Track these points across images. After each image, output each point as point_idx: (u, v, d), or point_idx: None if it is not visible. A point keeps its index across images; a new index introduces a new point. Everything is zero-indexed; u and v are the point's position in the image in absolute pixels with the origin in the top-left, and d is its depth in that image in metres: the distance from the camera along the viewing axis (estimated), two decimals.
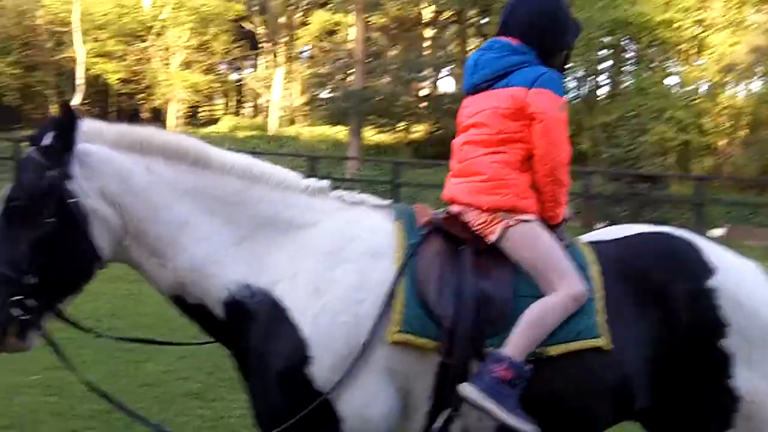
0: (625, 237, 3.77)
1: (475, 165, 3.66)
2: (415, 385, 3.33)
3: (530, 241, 3.53)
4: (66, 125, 3.32)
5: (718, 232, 21.56)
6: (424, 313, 3.32)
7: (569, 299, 3.40)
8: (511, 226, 3.53)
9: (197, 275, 3.41)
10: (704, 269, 3.60)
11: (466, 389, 3.23)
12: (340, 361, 3.23)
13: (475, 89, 3.78)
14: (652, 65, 35.54)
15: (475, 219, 3.58)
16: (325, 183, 3.67)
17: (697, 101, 33.50)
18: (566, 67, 3.91)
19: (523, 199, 3.58)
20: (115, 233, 3.38)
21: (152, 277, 3.48)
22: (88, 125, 3.40)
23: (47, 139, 3.33)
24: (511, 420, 3.21)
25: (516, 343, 3.29)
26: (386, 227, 3.55)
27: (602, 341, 3.41)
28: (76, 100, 44.53)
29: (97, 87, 50.08)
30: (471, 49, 46.24)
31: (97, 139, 3.40)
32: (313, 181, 3.65)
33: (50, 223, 3.24)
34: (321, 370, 3.24)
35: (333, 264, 3.38)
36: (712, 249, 3.72)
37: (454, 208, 3.67)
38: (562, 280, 3.43)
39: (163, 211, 3.41)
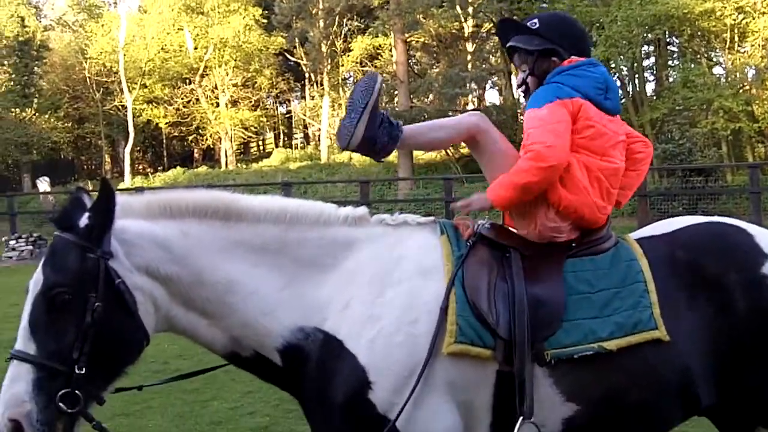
0: (675, 230, 3.75)
1: None
2: (475, 398, 3.32)
3: None
4: (106, 204, 3.24)
5: None
6: (477, 322, 3.32)
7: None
8: None
9: (250, 330, 3.41)
10: (757, 256, 3.56)
11: None
12: (400, 382, 3.24)
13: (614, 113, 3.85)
14: (696, 57, 35.08)
15: None
16: (364, 210, 3.67)
17: (745, 88, 32.94)
18: None
19: None
20: (161, 306, 3.33)
21: (202, 338, 3.46)
22: (118, 200, 3.31)
23: (83, 220, 3.24)
24: None
25: None
26: (432, 243, 3.56)
27: (660, 333, 3.39)
28: (128, 147, 45.26)
29: (147, 133, 50.88)
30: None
31: (128, 212, 3.35)
32: (351, 210, 3.64)
33: (98, 308, 3.14)
34: (382, 393, 3.25)
35: (382, 288, 3.39)
36: (765, 235, 3.68)
37: None
38: None
39: (208, 274, 3.37)
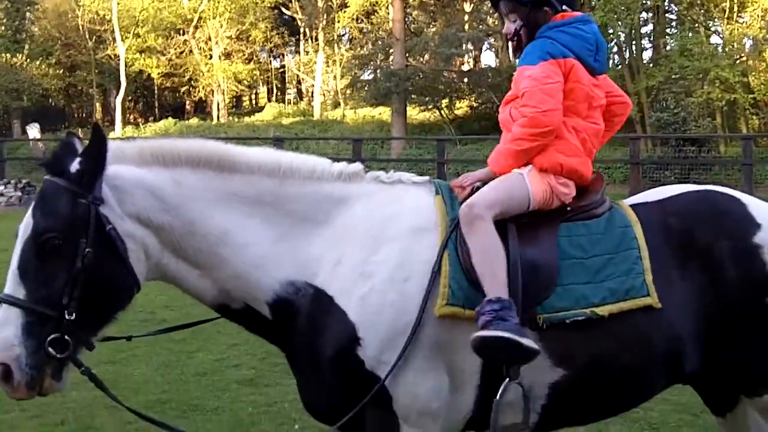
0: (668, 197, 3.73)
1: None
2: (463, 359, 3.30)
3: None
4: (98, 149, 3.20)
5: None
6: (469, 285, 3.30)
7: (480, 214, 3.36)
8: None
9: (241, 282, 3.38)
10: (749, 225, 3.54)
11: (473, 342, 3.16)
12: (389, 340, 3.23)
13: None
14: (694, 25, 34.93)
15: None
16: (359, 166, 3.63)
17: (742, 59, 32.86)
18: None
19: None
20: (152, 254, 3.30)
21: (192, 289, 3.43)
22: (109, 146, 3.27)
23: (74, 165, 3.20)
24: (513, 337, 3.11)
25: (490, 288, 3.23)
26: (427, 203, 3.53)
27: (652, 299, 3.39)
28: (120, 97, 45.02)
29: (139, 83, 50.60)
30: None
31: (120, 159, 3.31)
32: (345, 166, 3.60)
33: (88, 254, 3.11)
34: (371, 350, 3.23)
35: (375, 246, 3.36)
36: (757, 204, 3.66)
37: None
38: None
39: (200, 224, 3.34)
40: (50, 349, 3.06)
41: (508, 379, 3.26)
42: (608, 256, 3.44)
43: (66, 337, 3.08)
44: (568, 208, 3.59)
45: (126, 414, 5.94)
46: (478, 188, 3.55)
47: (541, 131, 3.49)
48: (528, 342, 3.14)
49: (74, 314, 3.09)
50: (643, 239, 3.49)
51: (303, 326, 3.35)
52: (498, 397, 3.27)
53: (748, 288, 3.44)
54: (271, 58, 58.43)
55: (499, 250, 3.30)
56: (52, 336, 3.07)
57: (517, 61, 3.76)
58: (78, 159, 3.22)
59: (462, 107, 42.27)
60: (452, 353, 3.30)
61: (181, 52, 48.44)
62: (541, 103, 3.49)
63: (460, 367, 3.31)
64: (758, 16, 31.51)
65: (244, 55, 50.83)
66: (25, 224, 3.17)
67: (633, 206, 3.70)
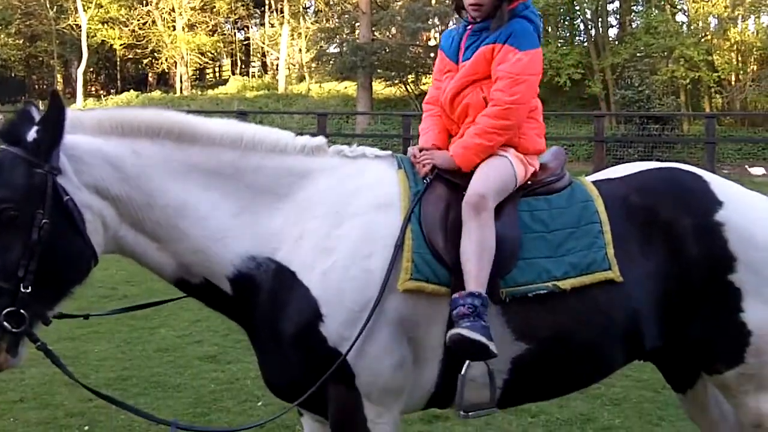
0: (631, 174, 3.72)
1: None
2: (426, 334, 3.28)
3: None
4: (56, 117, 3.09)
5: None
6: (434, 259, 3.27)
7: (488, 206, 3.33)
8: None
9: (200, 256, 3.31)
10: (711, 203, 3.54)
11: (452, 337, 3.15)
12: (352, 317, 3.19)
13: None
14: (660, 3, 35.11)
15: None
16: (322, 140, 3.55)
17: (706, 38, 33.11)
18: None
19: None
20: (110, 226, 3.21)
21: (151, 263, 3.35)
22: (67, 115, 3.15)
23: (31, 134, 3.10)
24: (485, 342, 3.11)
25: (472, 278, 3.20)
26: (389, 177, 3.48)
27: (614, 273, 3.38)
28: (81, 68, 44.47)
29: (101, 54, 50.01)
30: None
31: (77, 128, 3.20)
32: (308, 139, 3.53)
33: (45, 225, 3.02)
34: (334, 327, 3.19)
35: (338, 221, 3.31)
36: (719, 182, 3.67)
37: None
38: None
39: (159, 195, 3.25)
40: (5, 323, 2.97)
41: None
42: (570, 230, 3.44)
43: (21, 310, 2.99)
44: (529, 182, 3.57)
45: (86, 391, 5.91)
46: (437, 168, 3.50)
47: (511, 124, 3.46)
48: (493, 346, 3.13)
49: (30, 287, 2.99)
50: (605, 214, 3.48)
51: (264, 302, 3.30)
52: (462, 372, 3.26)
53: (708, 265, 3.45)
54: (236, 30, 58.04)
55: (493, 245, 3.27)
56: (7, 309, 2.97)
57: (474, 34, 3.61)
58: (35, 128, 3.11)
59: (428, 83, 42.10)
60: (416, 328, 3.27)
61: (144, 23, 47.87)
62: (522, 95, 3.45)
63: (423, 342, 3.29)
64: None
65: (208, 26, 50.33)
66: None
67: (595, 182, 3.69)
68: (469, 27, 3.62)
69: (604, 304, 3.39)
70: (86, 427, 5.84)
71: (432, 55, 39.96)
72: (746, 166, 24.55)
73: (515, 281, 3.31)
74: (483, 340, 3.10)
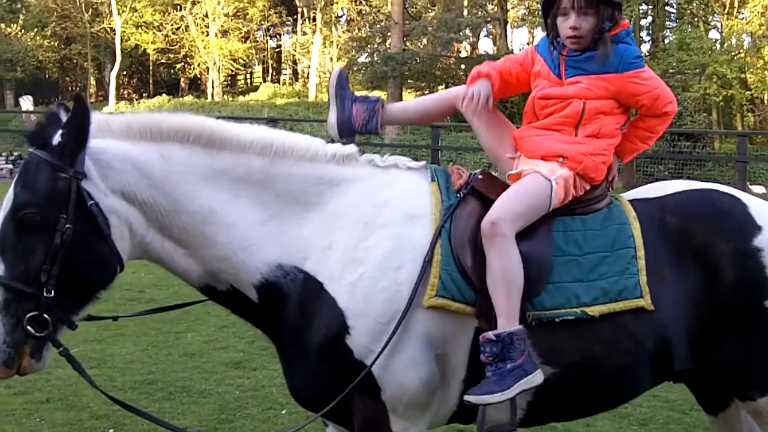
0: (668, 194, 3.64)
1: None
2: (452, 351, 3.25)
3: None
4: (80, 121, 3.08)
5: (759, 189, 21.23)
6: (460, 277, 3.22)
7: (503, 232, 3.24)
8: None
9: (227, 264, 3.29)
10: (750, 227, 3.46)
11: (472, 400, 3.16)
12: (379, 330, 3.16)
13: None
14: (694, 19, 34.87)
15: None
16: (353, 148, 3.52)
17: (740, 55, 32.83)
18: None
19: None
20: (137, 232, 3.21)
21: (178, 269, 3.34)
22: (94, 119, 3.15)
23: (56, 137, 3.09)
24: (511, 394, 3.12)
25: (506, 312, 3.16)
26: (421, 189, 3.44)
27: (645, 302, 3.31)
28: (114, 71, 44.81)
29: (134, 58, 50.38)
30: (512, 8, 45.78)
31: (105, 132, 3.20)
32: (339, 147, 3.49)
33: (68, 230, 3.02)
34: (360, 339, 3.17)
35: (367, 232, 3.28)
36: (758, 205, 3.58)
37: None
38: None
39: (187, 201, 3.23)
40: (29, 328, 2.98)
41: None
42: (603, 254, 3.37)
43: (45, 315, 3.00)
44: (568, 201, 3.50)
45: (112, 393, 5.95)
46: (473, 176, 3.47)
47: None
48: (517, 391, 3.14)
49: (53, 292, 3.00)
50: (640, 238, 3.41)
51: (290, 311, 3.28)
52: None
53: (744, 291, 3.38)
54: (268, 38, 58.26)
55: (519, 272, 3.20)
56: (30, 314, 2.98)
57: (561, 61, 3.52)
58: (60, 131, 3.11)
59: None
60: (443, 344, 3.24)
61: (178, 28, 48.21)
62: (672, 97, 3.56)
63: (448, 359, 3.26)
64: (758, 12, 31.47)
65: (240, 33, 50.61)
66: (7, 198, 3.08)
67: (632, 201, 3.61)
68: (565, 51, 3.51)
69: (634, 330, 3.34)
70: (111, 430, 5.87)
71: (463, 66, 39.95)
72: None
73: (543, 305, 3.26)
74: (492, 399, 3.12)
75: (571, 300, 3.28)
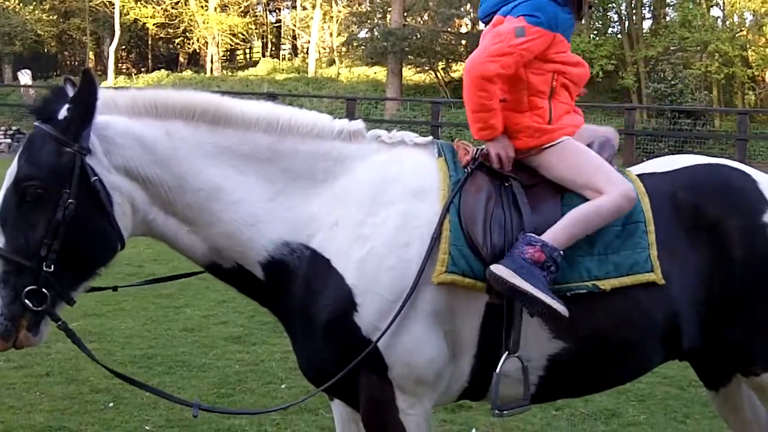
0: (678, 169, 3.61)
1: None
2: (462, 328, 3.24)
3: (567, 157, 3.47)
4: (87, 96, 3.06)
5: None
6: (470, 252, 3.20)
7: (622, 199, 3.30)
8: (546, 148, 3.47)
9: (233, 241, 3.26)
10: (760, 203, 3.45)
11: (497, 269, 3.12)
12: (386, 307, 3.14)
13: None
14: None
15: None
16: (360, 124, 3.49)
17: (742, 33, 32.72)
18: None
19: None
20: (140, 209, 3.18)
21: (182, 246, 3.31)
22: (101, 94, 3.12)
23: (62, 112, 3.07)
24: (542, 297, 3.10)
25: (555, 234, 3.21)
26: (428, 165, 3.41)
27: (656, 276, 3.31)
28: (113, 46, 44.64)
29: (133, 32, 50.14)
30: None
31: (111, 108, 3.17)
32: (346, 123, 3.46)
33: (70, 205, 3.00)
34: (368, 316, 3.15)
35: (375, 208, 3.25)
36: (767, 181, 3.56)
37: None
38: (609, 183, 3.34)
39: (191, 178, 3.21)
40: (27, 301, 2.97)
41: (507, 352, 3.22)
42: (614, 228, 3.35)
43: (44, 289, 2.99)
44: None
45: (112, 367, 5.93)
46: (480, 151, 3.45)
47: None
48: (542, 297, 3.12)
49: (53, 267, 2.99)
50: (650, 212, 3.39)
51: (297, 289, 3.25)
52: (497, 369, 3.23)
53: (753, 267, 3.37)
54: (267, 12, 57.93)
55: (595, 223, 3.32)
56: (29, 288, 2.97)
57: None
58: (66, 106, 3.09)
59: (458, 70, 41.94)
60: (452, 321, 3.22)
61: (177, 2, 47.86)
62: (471, 61, 3.60)
63: (459, 335, 3.25)
64: None
65: (240, 7, 50.31)
66: (10, 171, 3.06)
67: (640, 176, 3.58)
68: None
69: (645, 304, 3.33)
70: (111, 404, 5.89)
71: (463, 42, 39.78)
72: None
73: (554, 279, 3.23)
74: (505, 277, 3.11)
75: (583, 274, 3.28)
